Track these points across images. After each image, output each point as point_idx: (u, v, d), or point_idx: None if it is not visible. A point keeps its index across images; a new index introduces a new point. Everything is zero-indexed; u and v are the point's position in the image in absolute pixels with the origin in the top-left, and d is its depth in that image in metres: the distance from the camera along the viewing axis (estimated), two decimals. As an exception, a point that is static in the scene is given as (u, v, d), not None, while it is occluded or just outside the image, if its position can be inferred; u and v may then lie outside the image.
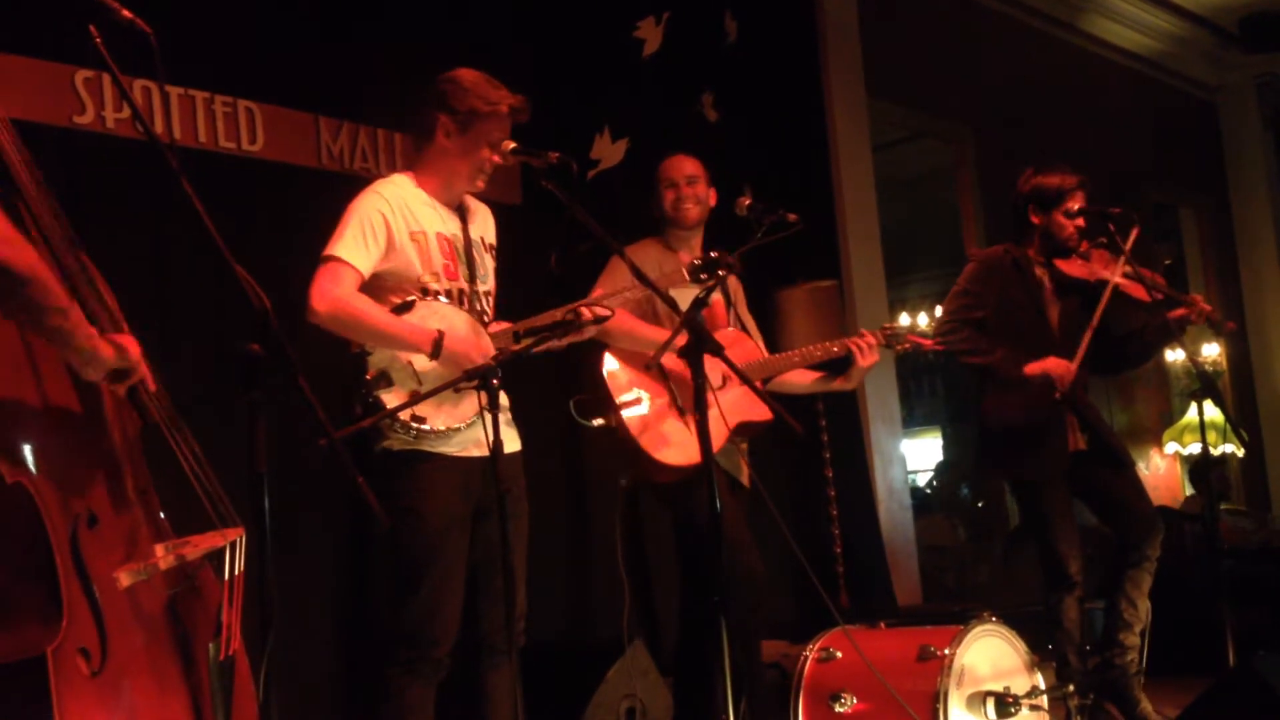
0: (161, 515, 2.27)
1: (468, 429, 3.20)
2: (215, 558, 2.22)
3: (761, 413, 3.94)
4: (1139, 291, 4.47)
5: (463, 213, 3.43)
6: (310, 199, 4.25)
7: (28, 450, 1.95)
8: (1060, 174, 4.53)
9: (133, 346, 2.11)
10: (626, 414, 3.85)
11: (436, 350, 3.15)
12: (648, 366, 3.62)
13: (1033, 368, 4.41)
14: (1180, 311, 4.45)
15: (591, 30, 5.51)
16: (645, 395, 3.88)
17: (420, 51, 4.54)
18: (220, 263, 2.02)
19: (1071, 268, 4.54)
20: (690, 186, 4.12)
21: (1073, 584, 4.45)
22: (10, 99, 3.67)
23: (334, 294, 3.12)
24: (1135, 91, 9.68)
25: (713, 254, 3.56)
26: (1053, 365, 4.38)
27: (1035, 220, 4.56)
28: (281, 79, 4.40)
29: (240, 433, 2.02)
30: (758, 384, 3.60)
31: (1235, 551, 6.95)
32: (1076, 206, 4.50)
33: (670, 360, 3.53)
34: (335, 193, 3.37)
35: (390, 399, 3.14)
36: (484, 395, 2.86)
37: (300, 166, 4.44)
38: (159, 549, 2.12)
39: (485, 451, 2.94)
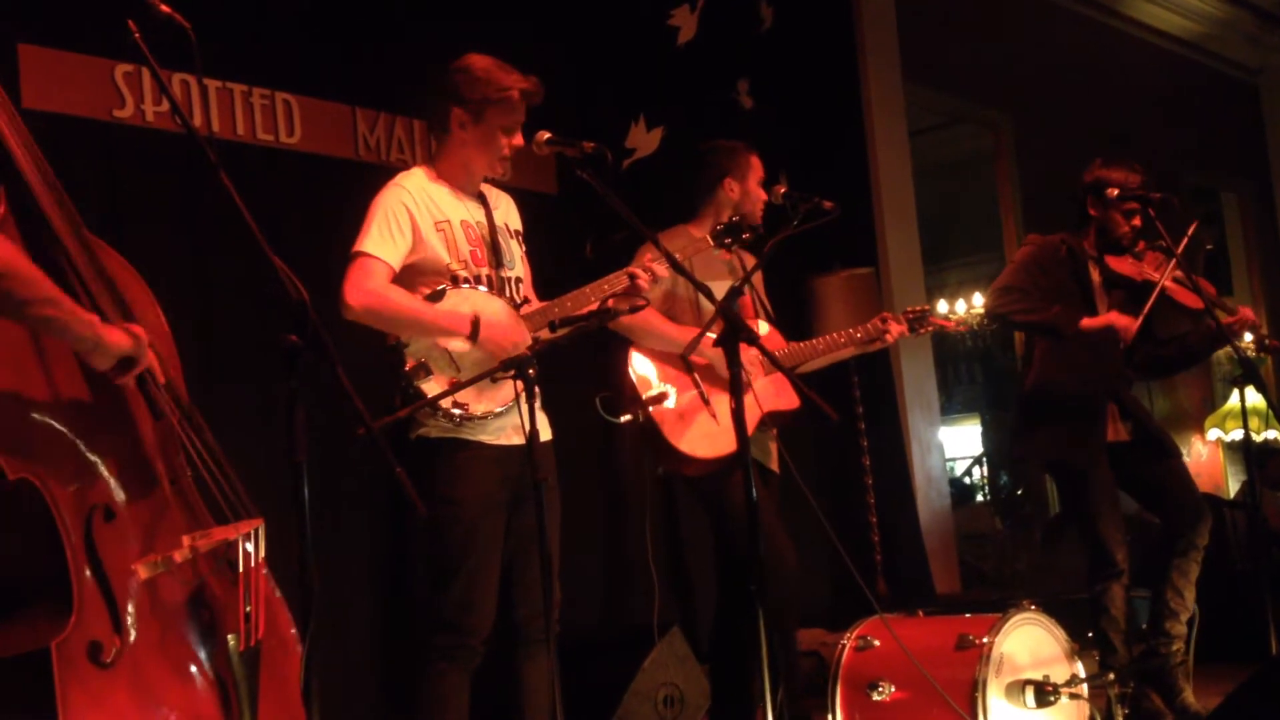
0: (203, 505, 2.27)
1: (505, 414, 3.21)
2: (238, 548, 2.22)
3: (789, 401, 3.94)
4: (1187, 298, 4.44)
5: (484, 200, 3.43)
6: (347, 191, 4.25)
7: (32, 446, 1.95)
8: (1125, 170, 4.48)
9: (139, 335, 2.10)
10: (654, 409, 3.85)
11: (475, 333, 3.16)
12: (683, 355, 3.61)
13: (1091, 321, 4.38)
14: (1226, 320, 4.40)
15: (626, 18, 5.50)
16: (672, 390, 3.87)
17: (456, 43, 4.54)
18: (258, 254, 2.03)
19: (1121, 265, 4.51)
20: None
21: (1119, 571, 4.42)
22: (51, 93, 3.73)
23: (367, 288, 3.14)
24: (1175, 75, 9.57)
25: (734, 218, 3.55)
26: (1115, 317, 4.36)
27: (1093, 213, 4.53)
28: (318, 71, 4.42)
29: (279, 422, 2.04)
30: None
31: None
32: (1131, 206, 4.45)
33: (695, 352, 3.53)
34: (372, 184, 3.39)
35: (430, 388, 3.15)
36: (520, 384, 2.86)
37: (337, 158, 4.46)
38: (185, 540, 2.12)
39: (521, 439, 2.95)
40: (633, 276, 3.37)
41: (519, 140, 3.33)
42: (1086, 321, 4.38)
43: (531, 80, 3.31)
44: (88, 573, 1.94)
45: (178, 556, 2.09)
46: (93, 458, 2.06)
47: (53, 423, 2.01)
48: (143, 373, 2.13)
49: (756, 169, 4.13)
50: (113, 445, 2.11)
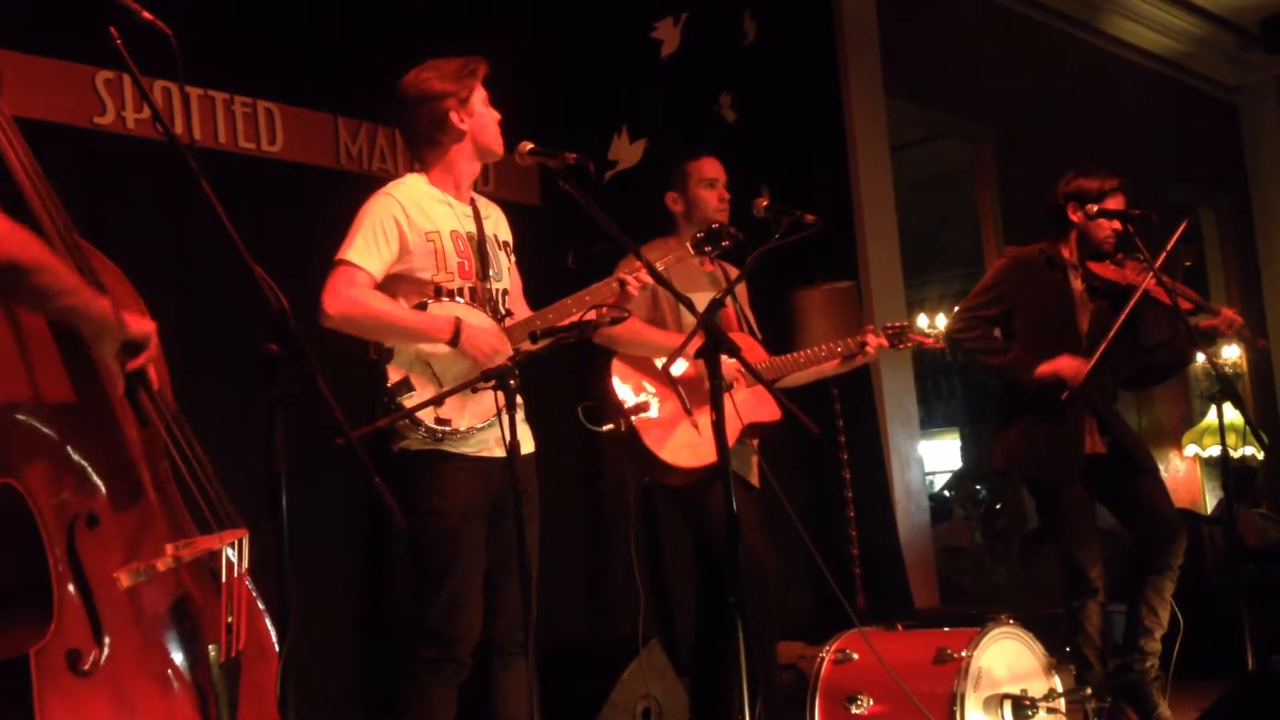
0: (186, 512, 2.26)
1: (487, 428, 3.20)
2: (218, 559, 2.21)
3: (770, 413, 3.94)
4: (1169, 299, 4.45)
5: (476, 210, 3.43)
6: (329, 199, 4.26)
7: (15, 450, 1.93)
8: (1101, 177, 4.52)
9: (148, 325, 2.09)
10: (635, 419, 3.85)
11: (455, 338, 3.15)
12: (665, 367, 3.61)
13: (1044, 368, 4.41)
14: (1211, 322, 4.43)
15: (610, 31, 5.51)
16: (654, 399, 3.88)
17: (440, 52, 4.54)
18: (239, 263, 2.03)
19: (1105, 270, 4.53)
20: (724, 189, 4.14)
21: (1093, 589, 4.43)
22: (32, 99, 3.70)
23: (345, 295, 3.12)
24: (1156, 92, 9.64)
25: (714, 225, 3.56)
26: (1065, 365, 4.38)
27: (1074, 219, 4.56)
28: (301, 80, 4.41)
29: (259, 431, 2.03)
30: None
31: (1257, 554, 6.93)
32: (1109, 206, 4.47)
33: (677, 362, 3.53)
34: (354, 193, 3.38)
35: (412, 404, 3.14)
36: (501, 395, 2.86)
37: (319, 167, 4.45)
38: (169, 548, 2.11)
39: (503, 451, 2.94)
40: (623, 283, 3.37)
41: (496, 114, 3.37)
42: (1040, 369, 4.41)
43: (473, 59, 3.35)
44: (69, 580, 1.92)
45: (160, 565, 2.07)
46: (77, 463, 2.03)
47: (37, 426, 1.98)
48: (136, 374, 2.12)
49: (698, 172, 4.13)
50: (98, 450, 2.08)
